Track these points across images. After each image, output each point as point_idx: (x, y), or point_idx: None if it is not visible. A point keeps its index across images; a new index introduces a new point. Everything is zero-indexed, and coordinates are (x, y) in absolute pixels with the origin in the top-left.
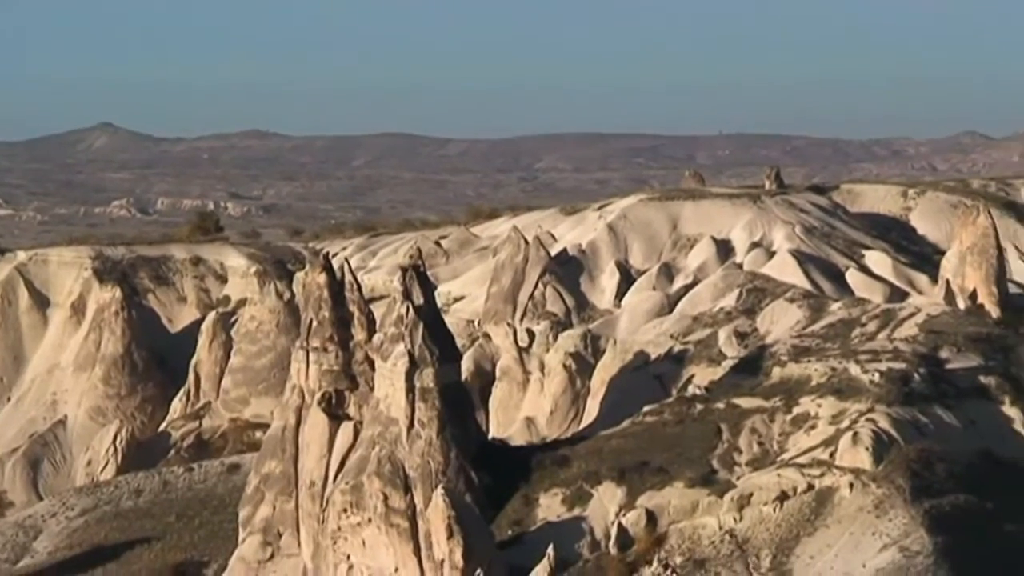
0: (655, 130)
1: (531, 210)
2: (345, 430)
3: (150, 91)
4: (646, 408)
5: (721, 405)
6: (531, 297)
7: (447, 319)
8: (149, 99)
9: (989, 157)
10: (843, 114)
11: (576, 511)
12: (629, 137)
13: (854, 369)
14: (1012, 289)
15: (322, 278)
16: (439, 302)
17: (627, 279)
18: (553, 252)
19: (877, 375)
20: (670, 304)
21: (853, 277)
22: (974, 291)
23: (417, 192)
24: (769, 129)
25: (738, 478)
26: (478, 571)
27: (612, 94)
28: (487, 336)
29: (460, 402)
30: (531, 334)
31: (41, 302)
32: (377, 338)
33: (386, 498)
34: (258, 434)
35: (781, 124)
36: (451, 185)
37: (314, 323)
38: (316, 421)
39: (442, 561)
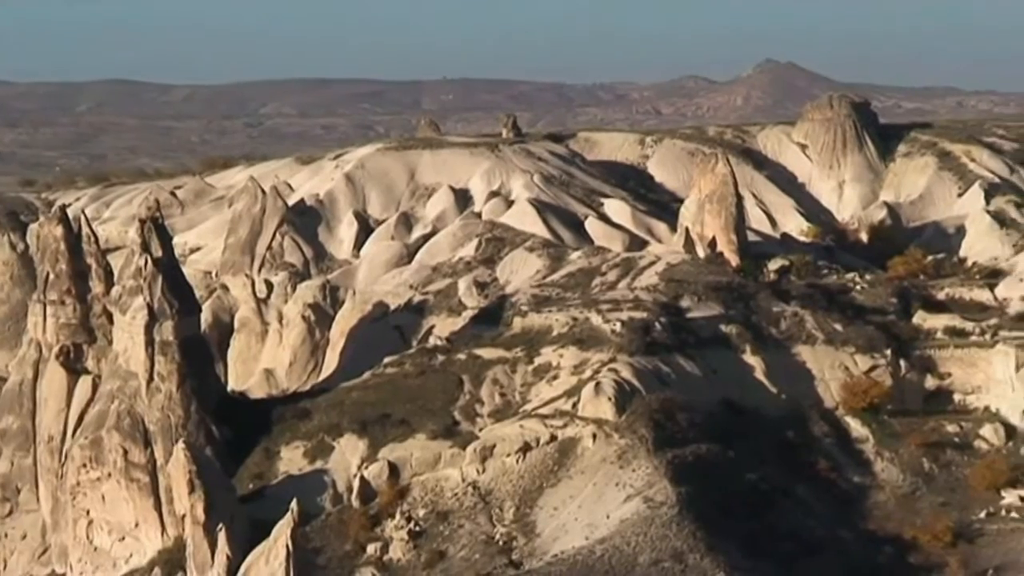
0: (379, 75)
1: (267, 160)
2: (84, 384)
3: None
4: (387, 359)
5: (462, 356)
6: (269, 248)
7: (184, 270)
8: None
9: (713, 101)
10: (566, 59)
11: (318, 464)
12: (353, 82)
13: (595, 319)
14: (751, 237)
15: (58, 230)
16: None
17: (365, 229)
18: (290, 202)
19: (618, 325)
20: (409, 254)
21: (592, 226)
22: (713, 239)
23: (141, 138)
24: (493, 74)
25: (480, 430)
26: (220, 525)
27: (334, 39)
28: (225, 287)
29: (200, 355)
30: (269, 285)
31: None
32: (115, 291)
33: (126, 453)
34: None
35: (505, 69)
36: (176, 131)
37: (51, 276)
38: (54, 375)
39: (183, 516)
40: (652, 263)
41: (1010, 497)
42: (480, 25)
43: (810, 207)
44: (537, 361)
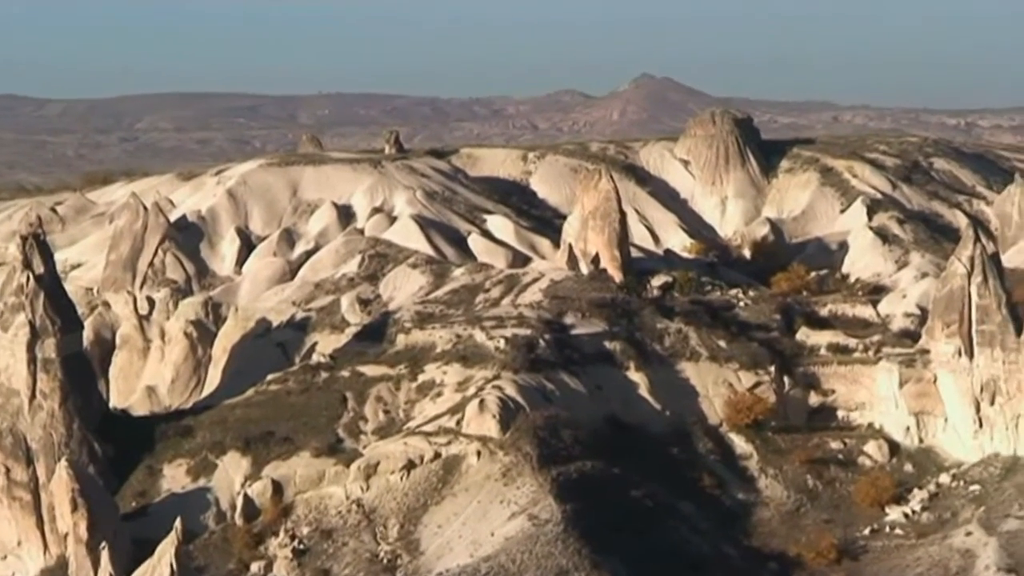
0: (254, 89)
1: (147, 175)
2: None
3: None
4: (270, 376)
5: (346, 373)
6: (151, 264)
7: (65, 287)
8: None
9: (590, 116)
10: (441, 73)
11: (201, 482)
12: (229, 96)
13: (479, 336)
14: (634, 253)
15: None
16: None
17: (248, 245)
18: (172, 218)
19: (502, 341)
20: (292, 270)
21: (475, 242)
22: (596, 256)
23: (17, 153)
24: (369, 88)
25: (364, 447)
26: (103, 544)
27: (209, 53)
28: (106, 304)
29: (82, 372)
30: (151, 301)
31: None
32: None
33: (8, 471)
34: None
35: (380, 83)
36: (51, 146)
37: None
38: None
39: (66, 534)
40: (535, 280)
41: (894, 514)
42: (355, 39)
43: (693, 223)
44: (421, 378)
